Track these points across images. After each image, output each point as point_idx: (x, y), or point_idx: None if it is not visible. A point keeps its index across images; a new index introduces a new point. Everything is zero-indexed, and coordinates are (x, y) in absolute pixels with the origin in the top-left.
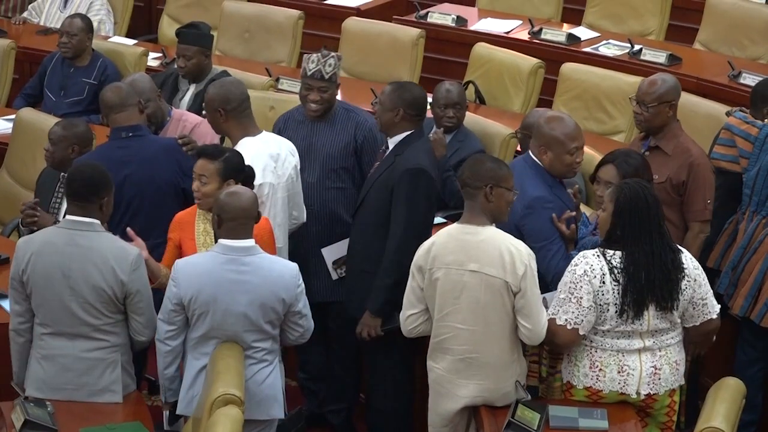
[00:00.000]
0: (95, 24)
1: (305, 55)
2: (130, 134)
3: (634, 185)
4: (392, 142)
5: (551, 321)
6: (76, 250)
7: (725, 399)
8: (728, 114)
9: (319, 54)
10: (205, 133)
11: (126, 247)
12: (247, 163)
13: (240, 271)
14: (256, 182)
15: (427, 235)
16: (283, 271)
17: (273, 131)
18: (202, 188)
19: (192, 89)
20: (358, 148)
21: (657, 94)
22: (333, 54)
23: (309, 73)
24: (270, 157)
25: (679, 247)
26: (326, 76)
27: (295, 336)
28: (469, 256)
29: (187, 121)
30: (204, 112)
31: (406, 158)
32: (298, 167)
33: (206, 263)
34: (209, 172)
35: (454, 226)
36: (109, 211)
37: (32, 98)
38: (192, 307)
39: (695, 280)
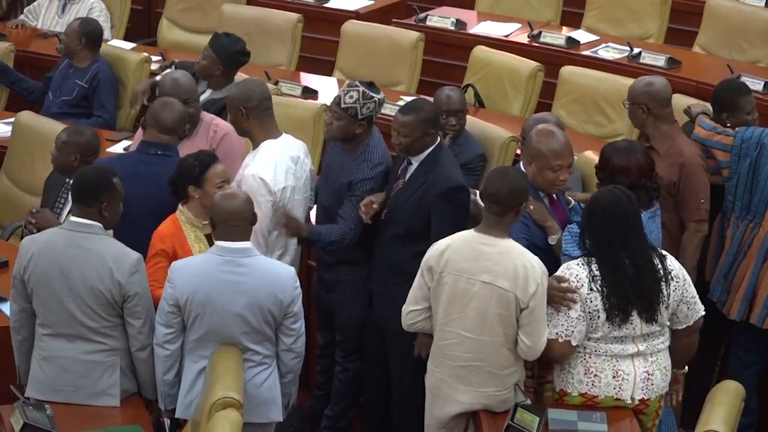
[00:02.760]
0: None
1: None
2: (159, 152)
3: (603, 195)
4: (416, 161)
5: None
6: (76, 252)
7: (724, 402)
8: (687, 112)
9: (348, 82)
10: (233, 143)
11: (125, 251)
12: (271, 166)
13: (236, 272)
14: (278, 186)
15: None
16: (280, 272)
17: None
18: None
19: (207, 93)
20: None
21: (631, 93)
22: (360, 89)
23: (333, 96)
24: (291, 159)
25: (663, 252)
26: (342, 105)
27: (287, 343)
28: (482, 267)
29: (218, 126)
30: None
31: (443, 176)
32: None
33: (202, 264)
34: (227, 175)
35: (470, 234)
36: (113, 216)
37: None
38: (188, 308)
39: (684, 280)
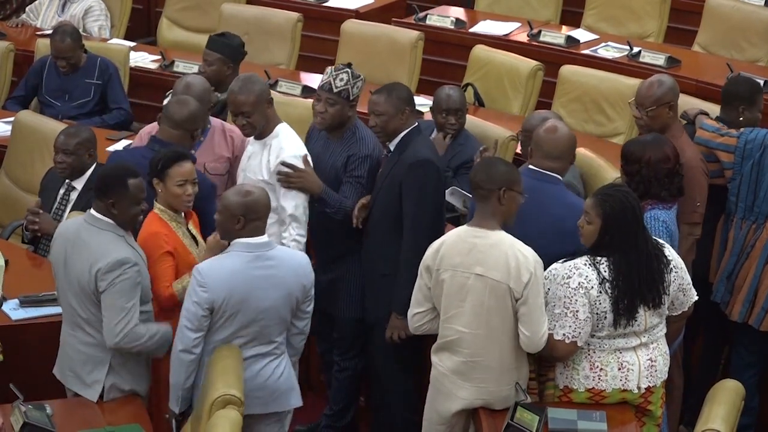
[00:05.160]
0: (96, 29)
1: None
2: (156, 148)
3: (616, 194)
4: (393, 145)
5: (549, 336)
6: (77, 242)
7: (724, 401)
8: (685, 116)
9: (334, 66)
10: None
11: (112, 249)
12: (300, 142)
13: (267, 266)
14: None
15: (440, 227)
16: (299, 259)
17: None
18: (194, 189)
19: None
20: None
21: (655, 97)
22: (348, 70)
23: (320, 84)
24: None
25: (661, 242)
26: (334, 89)
27: (300, 326)
28: (475, 260)
29: (233, 131)
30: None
31: (411, 152)
32: None
33: (233, 264)
34: (192, 175)
35: (463, 228)
36: (123, 216)
37: (25, 103)
38: (222, 309)
39: (682, 268)
